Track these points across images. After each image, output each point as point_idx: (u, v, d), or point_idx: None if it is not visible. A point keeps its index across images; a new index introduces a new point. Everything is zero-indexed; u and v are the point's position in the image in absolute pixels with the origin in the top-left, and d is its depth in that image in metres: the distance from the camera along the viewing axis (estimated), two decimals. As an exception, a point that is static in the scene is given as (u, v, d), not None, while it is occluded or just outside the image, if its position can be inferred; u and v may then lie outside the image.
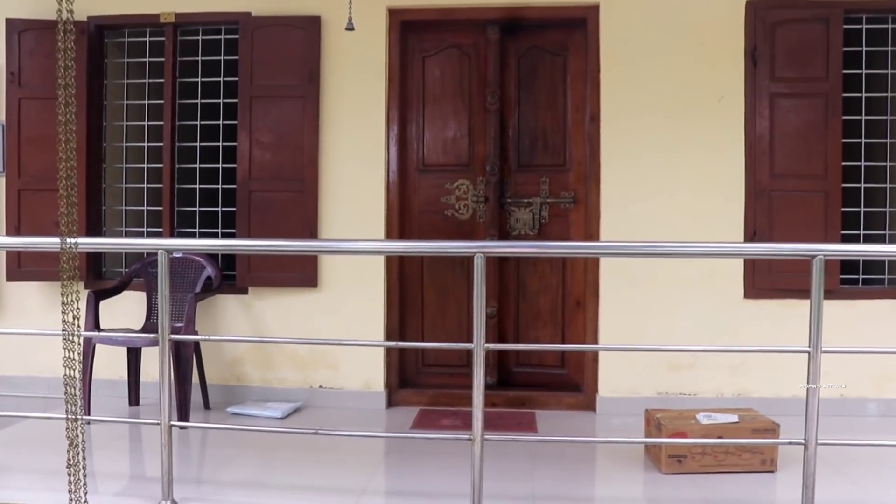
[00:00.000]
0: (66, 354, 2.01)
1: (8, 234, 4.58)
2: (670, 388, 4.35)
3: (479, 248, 2.60)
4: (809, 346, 2.62)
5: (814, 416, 2.62)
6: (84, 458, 2.12)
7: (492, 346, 2.65)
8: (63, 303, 2.02)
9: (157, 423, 2.85)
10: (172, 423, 2.85)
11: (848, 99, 4.31)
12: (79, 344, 2.08)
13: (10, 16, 4.57)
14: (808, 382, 2.60)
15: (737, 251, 3.03)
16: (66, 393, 2.03)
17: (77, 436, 2.01)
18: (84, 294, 4.18)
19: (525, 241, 4.54)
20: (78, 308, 2.06)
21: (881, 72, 4.42)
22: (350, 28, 3.20)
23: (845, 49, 4.28)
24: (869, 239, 4.37)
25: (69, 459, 2.03)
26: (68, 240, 2.03)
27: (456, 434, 2.59)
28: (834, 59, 4.25)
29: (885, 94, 4.43)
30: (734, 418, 3.42)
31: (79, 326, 2.07)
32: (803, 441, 2.64)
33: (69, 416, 2.05)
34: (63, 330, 2.03)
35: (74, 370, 2.02)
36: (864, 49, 4.38)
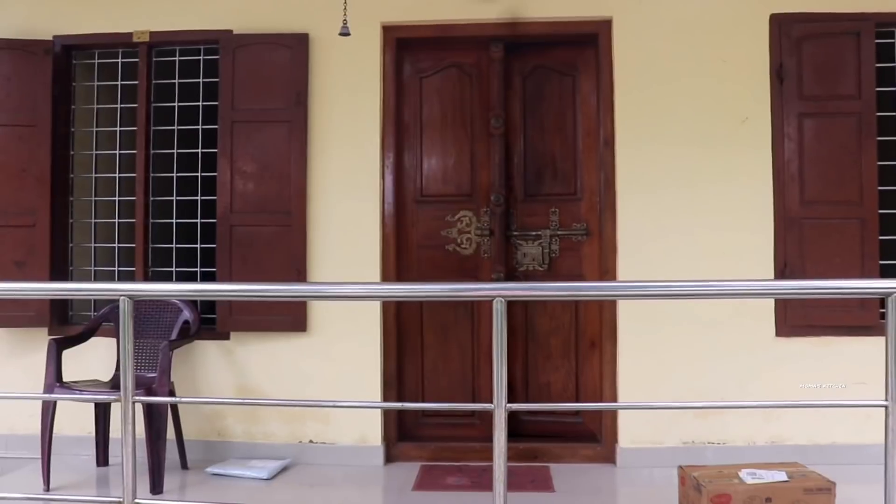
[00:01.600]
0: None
1: (-35, 274, 4.15)
2: (697, 437, 3.96)
3: (499, 291, 2.18)
4: (887, 400, 2.22)
5: (894, 482, 2.21)
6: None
7: (515, 405, 2.23)
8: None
9: (120, 501, 2.40)
10: (137, 500, 2.40)
11: (882, 118, 3.98)
12: None
13: (-34, 36, 4.18)
14: (885, 442, 2.20)
15: (791, 290, 2.59)
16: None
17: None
18: (45, 342, 3.77)
19: (534, 277, 4.16)
20: None
21: (917, 89, 4.09)
22: (345, 33, 2.80)
23: (878, 65, 3.97)
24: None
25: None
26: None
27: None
28: (866, 75, 3.93)
29: (921, 113, 4.10)
30: (782, 475, 3.05)
31: None
32: (883, 514, 2.22)
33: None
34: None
35: None
36: (899, 64, 4.06)
